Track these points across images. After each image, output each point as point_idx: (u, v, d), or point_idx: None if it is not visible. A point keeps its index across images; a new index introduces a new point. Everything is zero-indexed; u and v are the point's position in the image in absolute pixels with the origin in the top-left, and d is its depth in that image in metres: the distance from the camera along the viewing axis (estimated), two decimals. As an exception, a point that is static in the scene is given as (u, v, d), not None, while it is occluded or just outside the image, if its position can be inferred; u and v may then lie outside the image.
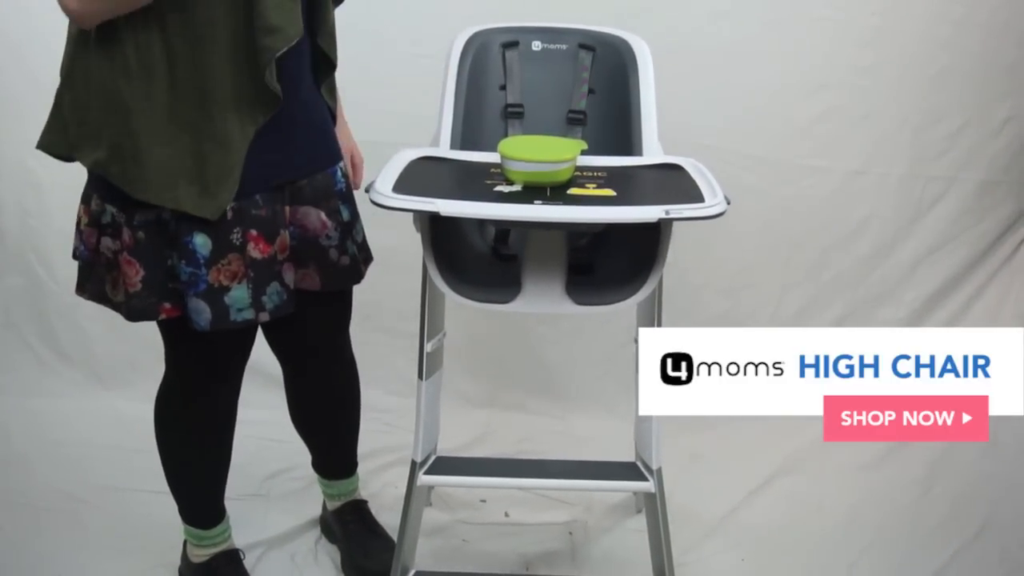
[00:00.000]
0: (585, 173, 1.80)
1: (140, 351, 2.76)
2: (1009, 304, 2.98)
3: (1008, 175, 2.97)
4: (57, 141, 1.74)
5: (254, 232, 1.74)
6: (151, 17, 1.60)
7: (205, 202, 1.67)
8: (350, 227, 1.93)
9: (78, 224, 1.82)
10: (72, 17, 1.60)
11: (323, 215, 1.87)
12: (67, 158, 1.74)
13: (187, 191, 1.66)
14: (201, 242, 1.71)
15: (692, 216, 1.59)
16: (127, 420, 2.74)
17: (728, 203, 1.64)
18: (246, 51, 1.64)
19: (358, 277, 2.00)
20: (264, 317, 1.79)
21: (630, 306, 1.83)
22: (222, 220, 1.70)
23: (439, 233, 1.79)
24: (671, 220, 1.60)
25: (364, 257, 2.01)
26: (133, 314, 1.76)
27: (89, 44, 1.65)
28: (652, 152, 1.97)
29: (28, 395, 2.94)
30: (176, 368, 1.93)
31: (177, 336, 1.85)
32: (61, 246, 2.73)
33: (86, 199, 1.79)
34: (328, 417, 2.23)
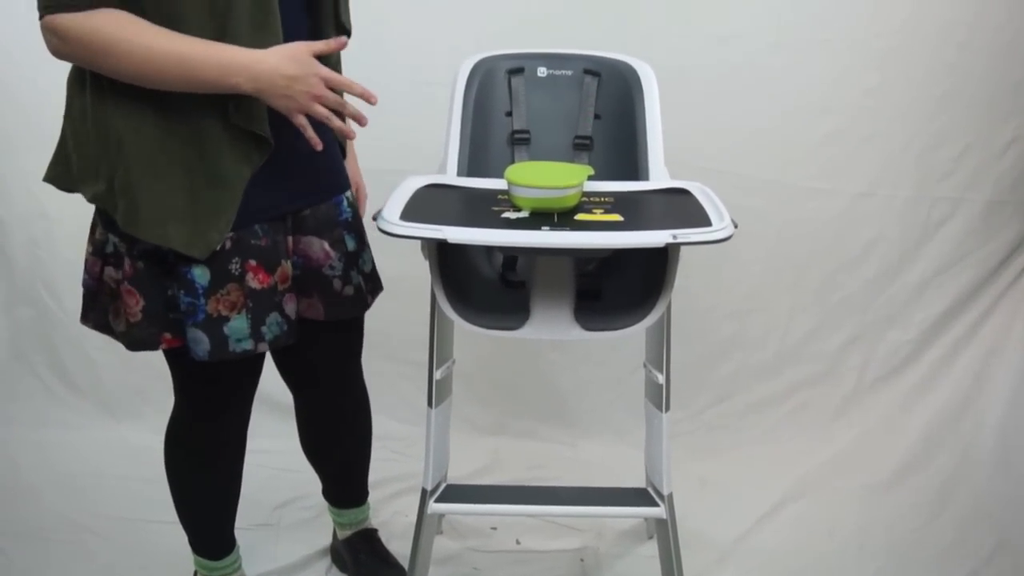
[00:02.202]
0: (592, 198, 1.80)
1: (149, 381, 2.76)
2: (1018, 324, 2.97)
3: (1014, 195, 2.96)
4: (61, 174, 1.74)
5: (253, 262, 1.74)
6: None
7: (194, 241, 1.66)
8: (355, 257, 1.93)
9: (85, 254, 1.83)
10: (51, 51, 1.59)
11: (326, 245, 1.87)
12: (71, 190, 1.75)
13: (177, 229, 1.66)
14: (199, 272, 1.70)
15: (699, 240, 1.60)
16: (136, 450, 2.74)
17: (735, 227, 1.64)
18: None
19: (363, 307, 1.99)
20: (263, 348, 1.79)
21: (639, 331, 1.82)
22: (221, 250, 1.70)
23: (447, 260, 1.79)
24: (678, 245, 1.60)
25: (371, 287, 2.00)
26: (134, 344, 1.76)
27: (86, 80, 1.65)
28: (659, 177, 1.97)
29: (37, 426, 2.95)
30: (183, 398, 1.93)
31: (182, 366, 1.85)
32: (69, 276, 2.75)
33: (92, 229, 1.79)
34: (338, 446, 2.23)
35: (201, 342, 1.73)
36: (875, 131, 2.89)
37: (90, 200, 1.71)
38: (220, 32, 1.59)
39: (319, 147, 1.66)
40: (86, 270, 1.80)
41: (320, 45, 1.63)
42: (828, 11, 2.81)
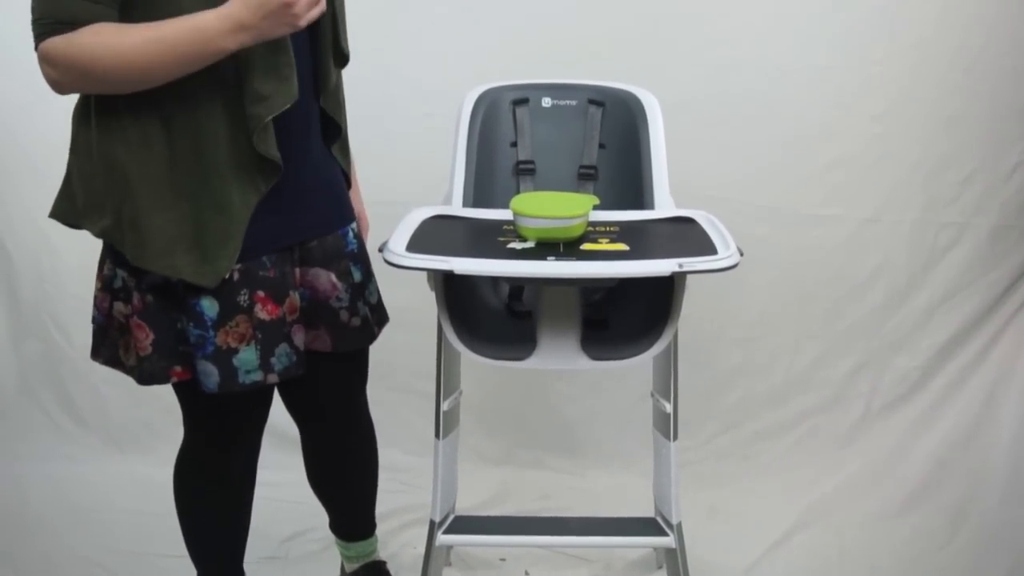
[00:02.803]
0: (598, 228, 1.80)
1: (157, 415, 2.76)
2: (1027, 350, 2.97)
3: (1020, 219, 2.96)
4: (67, 210, 1.75)
5: (261, 293, 1.74)
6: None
7: (203, 270, 1.67)
8: (362, 288, 1.93)
9: (95, 290, 1.83)
10: (49, 85, 1.60)
11: (333, 277, 1.87)
12: (76, 226, 1.75)
13: (185, 259, 1.66)
14: (208, 304, 1.70)
15: (705, 269, 1.60)
16: (145, 484, 2.74)
17: (741, 255, 1.64)
18: (243, 118, 1.64)
19: (370, 338, 1.99)
20: (273, 379, 1.79)
21: (646, 360, 1.82)
22: (229, 282, 1.70)
23: (453, 291, 1.80)
24: (684, 273, 1.60)
25: (378, 319, 2.00)
26: (144, 378, 1.75)
27: (90, 114, 1.66)
28: (664, 205, 1.97)
29: (46, 460, 2.94)
30: (193, 431, 1.93)
31: (191, 399, 1.84)
32: (77, 311, 2.75)
33: (100, 265, 1.79)
34: (345, 478, 2.22)
35: (211, 374, 1.73)
36: (880, 157, 2.90)
37: (97, 235, 1.71)
38: (233, 56, 1.59)
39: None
40: (95, 306, 1.81)
41: None
42: (832, 38, 2.82)
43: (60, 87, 1.60)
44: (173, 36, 1.54)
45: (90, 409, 3.02)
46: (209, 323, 1.71)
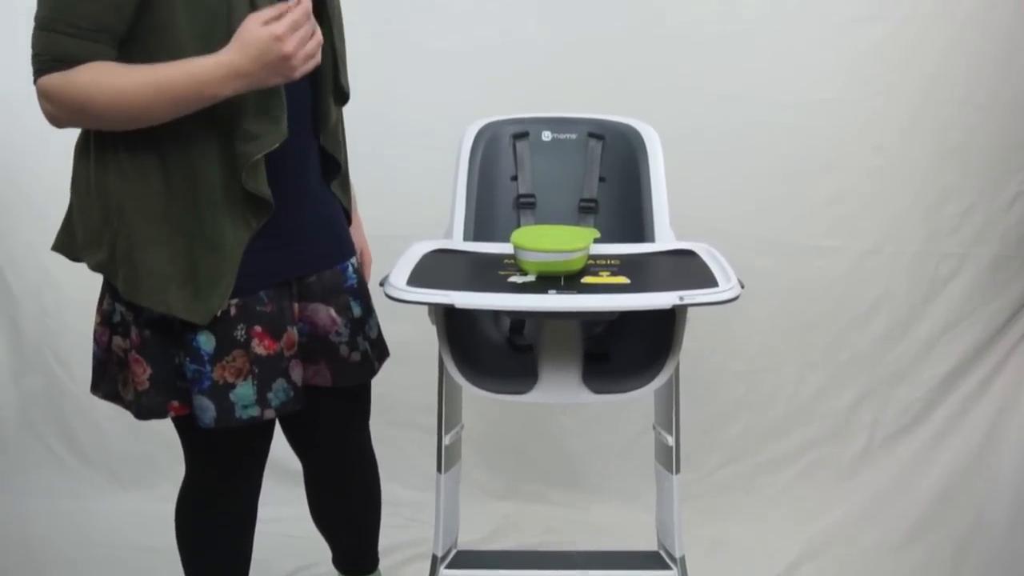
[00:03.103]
0: (598, 261, 1.80)
1: (159, 450, 2.76)
2: (1029, 380, 2.97)
3: (1021, 250, 2.96)
4: (67, 243, 1.76)
5: (259, 328, 1.74)
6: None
7: (196, 306, 1.67)
8: (362, 323, 1.94)
9: (95, 324, 1.83)
10: (47, 118, 1.61)
11: (332, 312, 1.88)
12: (77, 259, 1.76)
13: (177, 294, 1.67)
14: (205, 339, 1.70)
15: (706, 302, 1.59)
16: (146, 519, 2.73)
17: (742, 287, 1.64)
18: (235, 157, 1.65)
19: (370, 373, 2.00)
20: (270, 414, 1.78)
21: (647, 393, 1.82)
22: (226, 317, 1.70)
23: (454, 325, 1.79)
24: (685, 306, 1.60)
25: (378, 353, 2.01)
26: (142, 412, 1.75)
27: (89, 149, 1.67)
28: (664, 238, 1.97)
29: (47, 495, 2.94)
30: (194, 467, 1.93)
31: (191, 435, 1.84)
32: (79, 346, 2.75)
33: (100, 300, 1.80)
34: (348, 513, 2.21)
35: (207, 409, 1.73)
36: (880, 189, 2.90)
37: (93, 268, 1.72)
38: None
39: None
40: (95, 340, 1.81)
41: (268, 12, 1.57)
42: (833, 72, 2.84)
43: (57, 121, 1.61)
44: (169, 80, 1.56)
45: (92, 444, 3.02)
46: (206, 358, 1.71)
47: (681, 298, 1.58)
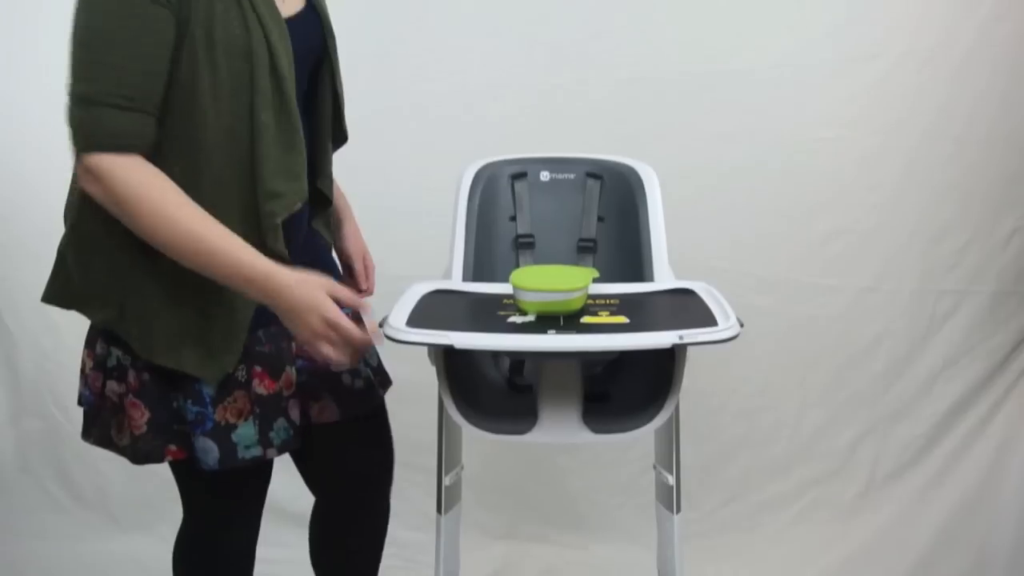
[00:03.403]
0: (597, 301, 1.80)
1: (156, 492, 2.74)
2: (1030, 417, 2.96)
3: (1019, 286, 2.97)
4: (61, 294, 1.74)
5: (258, 368, 1.74)
6: None
7: (208, 364, 1.67)
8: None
9: (83, 370, 1.82)
10: (85, 188, 1.58)
11: None
12: (70, 308, 1.74)
13: (191, 353, 1.66)
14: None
15: (706, 340, 1.59)
16: (145, 562, 2.72)
17: (741, 326, 1.64)
18: (256, 215, 1.65)
19: (375, 399, 1.99)
20: (272, 454, 1.78)
21: (647, 432, 1.81)
22: None
23: (454, 365, 1.79)
24: (685, 345, 1.60)
25: (381, 380, 2.00)
26: (139, 457, 1.74)
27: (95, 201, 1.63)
28: (663, 277, 1.97)
29: (45, 538, 2.93)
30: (192, 511, 1.91)
31: (189, 479, 1.83)
32: (77, 389, 2.75)
33: (90, 344, 1.79)
34: (352, 560, 2.18)
35: (211, 451, 1.71)
36: (878, 227, 2.91)
37: (98, 324, 1.71)
38: (249, 156, 1.61)
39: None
40: (86, 385, 1.80)
41: (344, 292, 1.63)
42: (830, 110, 2.85)
43: (93, 196, 1.58)
44: (216, 249, 1.56)
45: (89, 486, 3.01)
46: (208, 400, 1.70)
47: (681, 337, 1.58)
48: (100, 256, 1.66)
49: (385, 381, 2.03)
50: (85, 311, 1.71)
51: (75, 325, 2.68)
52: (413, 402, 2.33)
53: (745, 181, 2.87)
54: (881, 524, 2.92)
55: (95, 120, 1.54)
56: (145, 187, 1.55)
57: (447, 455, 1.91)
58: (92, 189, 1.57)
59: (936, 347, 2.99)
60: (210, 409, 1.71)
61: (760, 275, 2.89)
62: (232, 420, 1.72)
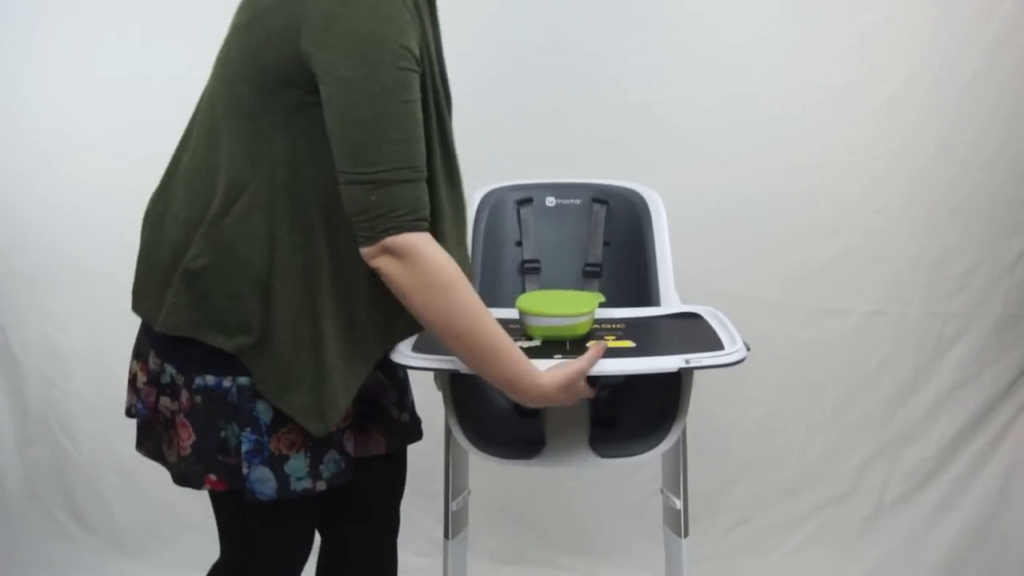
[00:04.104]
0: (604, 325, 1.81)
1: (163, 518, 2.74)
2: (1039, 439, 2.95)
3: (1026, 309, 2.97)
4: (194, 320, 1.63)
5: None
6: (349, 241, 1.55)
7: (315, 415, 1.61)
8: (405, 385, 1.89)
9: (132, 381, 1.76)
10: (391, 278, 1.52)
11: (380, 375, 1.81)
12: (192, 336, 1.63)
13: (302, 399, 1.61)
14: (263, 408, 1.63)
15: (712, 364, 1.59)
16: (151, 589, 2.72)
17: (748, 349, 1.64)
18: None
19: (419, 434, 1.93)
20: (321, 486, 1.69)
21: (655, 456, 1.81)
22: None
23: (460, 391, 1.79)
24: (691, 369, 1.60)
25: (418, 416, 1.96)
26: (180, 479, 1.69)
27: (265, 227, 1.58)
28: (670, 302, 1.98)
29: (52, 565, 2.92)
30: (234, 548, 1.81)
31: (232, 512, 1.75)
32: (84, 416, 2.76)
33: (140, 356, 1.74)
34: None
35: (268, 480, 1.64)
36: (884, 250, 2.91)
37: (231, 350, 1.61)
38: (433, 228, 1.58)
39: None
40: (140, 398, 1.74)
41: (588, 365, 1.62)
42: (833, 134, 2.85)
43: (395, 283, 1.53)
44: (503, 359, 1.57)
45: (96, 513, 3.00)
46: (264, 428, 1.63)
47: (687, 361, 1.58)
48: (251, 281, 1.60)
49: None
50: (221, 339, 1.62)
51: (82, 354, 2.70)
52: (420, 427, 2.33)
53: (750, 206, 2.87)
54: (891, 547, 2.91)
55: (404, 197, 1.50)
56: (452, 268, 1.53)
57: (454, 480, 1.91)
58: (393, 271, 1.51)
59: (944, 370, 2.99)
60: (266, 438, 1.64)
61: (766, 299, 2.89)
62: (284, 451, 1.65)
